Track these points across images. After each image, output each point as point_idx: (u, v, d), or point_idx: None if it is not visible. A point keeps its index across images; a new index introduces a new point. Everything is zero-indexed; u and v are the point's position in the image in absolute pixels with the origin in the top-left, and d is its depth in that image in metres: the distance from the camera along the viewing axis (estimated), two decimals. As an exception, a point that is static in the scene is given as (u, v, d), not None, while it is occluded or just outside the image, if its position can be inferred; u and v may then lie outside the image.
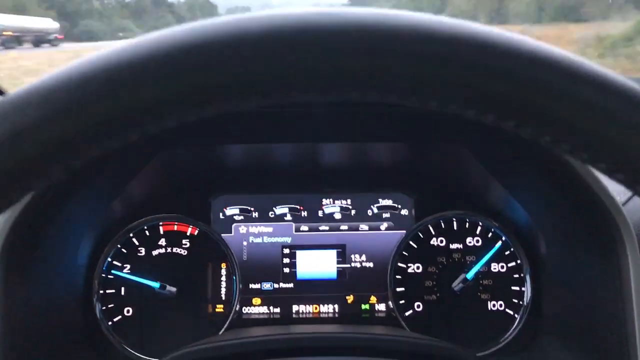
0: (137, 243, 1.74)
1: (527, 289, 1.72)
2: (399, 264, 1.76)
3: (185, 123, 0.46)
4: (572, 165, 1.26)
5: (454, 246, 1.77)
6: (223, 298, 1.74)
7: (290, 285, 1.77)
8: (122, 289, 1.71)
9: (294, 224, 1.80)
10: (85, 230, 1.56)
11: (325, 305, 1.76)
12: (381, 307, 1.77)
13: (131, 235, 1.74)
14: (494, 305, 1.74)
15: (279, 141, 1.47)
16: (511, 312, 1.73)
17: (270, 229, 1.79)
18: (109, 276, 1.71)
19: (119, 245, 1.73)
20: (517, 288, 1.74)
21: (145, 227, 1.75)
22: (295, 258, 1.78)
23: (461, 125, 1.37)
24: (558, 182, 1.35)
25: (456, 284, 1.71)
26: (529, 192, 1.50)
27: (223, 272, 1.75)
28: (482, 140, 1.40)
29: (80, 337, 1.62)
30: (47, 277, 1.42)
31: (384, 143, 1.55)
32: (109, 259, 1.72)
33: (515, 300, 1.73)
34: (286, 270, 1.77)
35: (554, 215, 1.50)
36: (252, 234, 1.79)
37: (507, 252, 1.75)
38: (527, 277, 1.72)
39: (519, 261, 1.74)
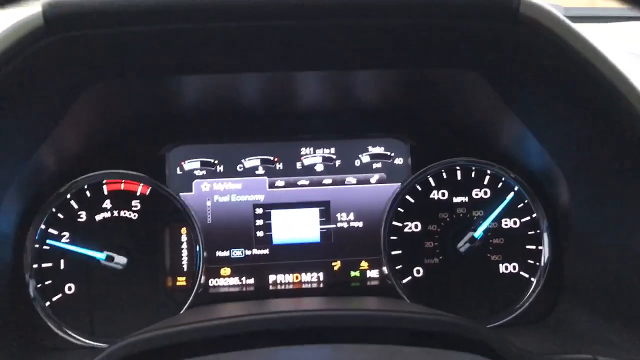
0: (76, 206, 1.45)
1: (545, 248, 1.48)
2: (394, 223, 1.51)
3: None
4: (612, 85, 0.98)
5: (457, 200, 1.51)
6: (185, 269, 1.47)
7: (265, 251, 1.51)
8: (61, 261, 1.44)
9: (267, 179, 1.52)
10: (5, 189, 1.25)
11: (308, 274, 1.50)
12: (374, 273, 1.51)
13: (68, 196, 1.45)
14: (506, 268, 1.50)
15: (246, 69, 1.16)
16: (526, 276, 1.49)
17: (239, 186, 1.52)
18: (44, 247, 1.43)
19: (53, 209, 1.44)
20: (533, 247, 1.50)
21: (86, 187, 1.46)
22: (270, 219, 1.51)
23: (472, 47, 1.08)
24: (591, 109, 1.08)
25: (462, 245, 1.47)
26: (551, 124, 1.23)
27: (183, 238, 1.48)
28: (497, 63, 1.11)
29: (9, 322, 1.33)
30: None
31: (374, 71, 1.25)
32: (43, 226, 1.43)
33: (531, 262, 1.50)
34: (259, 233, 1.51)
35: (581, 154, 1.24)
36: (217, 191, 1.51)
37: (520, 205, 1.51)
38: (545, 234, 1.49)
39: (534, 215, 1.50)
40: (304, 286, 1.50)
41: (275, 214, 1.51)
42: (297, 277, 1.50)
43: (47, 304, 1.41)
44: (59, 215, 1.44)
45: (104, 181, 1.46)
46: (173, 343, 1.00)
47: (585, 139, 1.17)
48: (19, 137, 1.18)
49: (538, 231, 1.49)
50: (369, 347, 0.93)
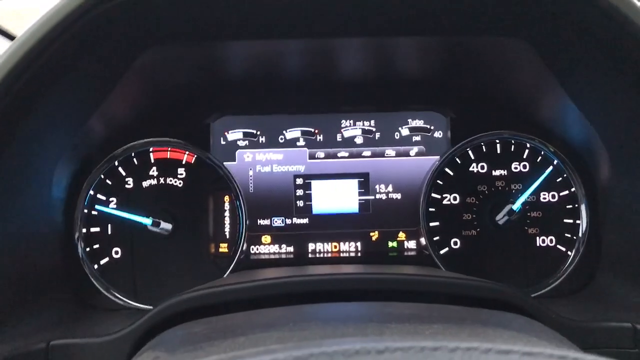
0: (123, 173, 1.49)
1: (583, 222, 1.48)
2: (433, 195, 1.52)
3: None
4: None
5: (496, 173, 1.52)
6: (227, 236, 1.50)
7: (305, 220, 1.53)
8: (109, 226, 1.47)
9: (307, 150, 1.54)
10: (59, 156, 1.29)
11: (346, 243, 1.52)
12: (411, 244, 1.52)
13: (116, 163, 1.48)
14: (543, 241, 1.50)
15: (291, 35, 1.17)
16: (563, 249, 1.49)
17: (280, 156, 1.54)
18: (93, 212, 1.47)
19: (102, 176, 1.48)
20: (571, 220, 1.50)
21: (133, 154, 1.49)
22: (310, 189, 1.53)
23: (526, 15, 1.08)
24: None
25: (500, 217, 1.47)
26: (598, 96, 1.21)
27: (226, 206, 1.50)
28: (549, 32, 1.10)
29: (60, 282, 1.37)
30: (15, 212, 1.16)
31: (417, 40, 1.25)
32: (91, 192, 1.47)
33: (569, 235, 1.50)
34: (300, 203, 1.53)
35: (625, 127, 1.22)
36: (259, 162, 1.53)
37: (559, 179, 1.51)
38: (583, 207, 1.48)
39: (573, 189, 1.50)
40: (342, 255, 1.52)
41: (315, 184, 1.53)
42: (335, 246, 1.53)
43: (95, 266, 1.45)
44: (107, 181, 1.47)
45: (151, 149, 1.49)
46: (221, 301, 1.03)
47: (631, 112, 1.17)
48: (73, 106, 1.21)
49: (576, 205, 1.49)
50: (417, 305, 0.94)
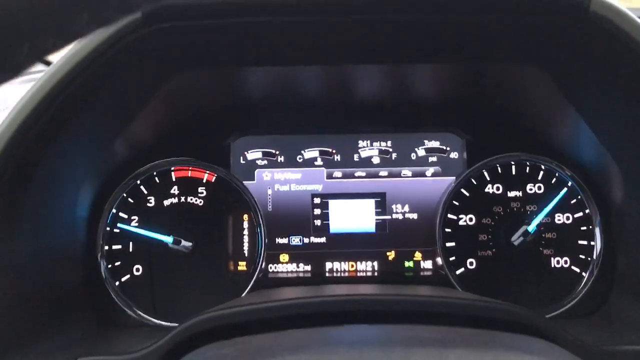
0: (145, 191, 1.51)
1: (598, 243, 1.49)
2: (449, 216, 1.53)
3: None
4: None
5: (512, 194, 1.54)
6: (246, 254, 1.52)
7: (322, 239, 1.55)
8: (130, 244, 1.50)
9: (325, 170, 1.57)
10: (84, 175, 1.33)
11: (363, 263, 1.55)
12: (427, 264, 1.54)
13: (138, 182, 1.51)
14: (557, 262, 1.52)
15: (307, 62, 1.20)
16: (578, 270, 1.51)
17: (298, 176, 1.56)
18: (115, 230, 1.50)
19: (124, 194, 1.50)
20: (585, 242, 1.51)
21: (155, 173, 1.52)
22: (327, 209, 1.56)
23: (538, 43, 1.11)
24: None
25: (515, 238, 1.49)
26: (612, 121, 1.24)
27: (245, 224, 1.53)
28: (562, 58, 1.13)
29: (83, 299, 1.40)
30: (40, 230, 1.19)
31: (434, 65, 1.28)
32: (114, 210, 1.49)
33: (583, 256, 1.51)
34: (317, 222, 1.55)
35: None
36: (277, 181, 1.56)
37: (573, 201, 1.52)
38: (597, 229, 1.50)
39: (587, 211, 1.51)
40: (358, 274, 1.54)
41: (332, 203, 1.56)
42: (352, 266, 1.55)
43: (117, 283, 1.47)
44: (129, 200, 1.50)
45: (172, 168, 1.52)
46: (241, 321, 1.05)
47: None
48: (99, 130, 1.25)
49: (590, 227, 1.50)
50: (439, 328, 0.96)
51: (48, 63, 1.55)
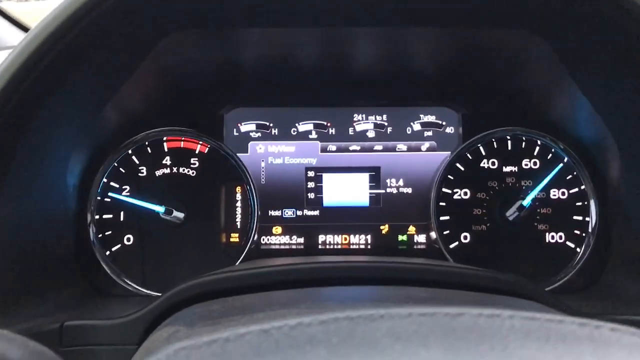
0: (137, 161, 1.50)
1: (592, 219, 1.49)
2: (444, 190, 1.52)
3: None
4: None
5: (507, 169, 1.52)
6: (238, 226, 1.51)
7: (316, 212, 1.54)
8: (121, 213, 1.48)
9: (319, 143, 1.55)
10: (74, 142, 1.30)
11: (356, 236, 1.53)
12: (421, 238, 1.53)
13: (130, 151, 1.49)
14: (552, 237, 1.51)
15: (302, 24, 1.18)
16: (572, 245, 1.50)
17: (292, 149, 1.55)
18: (106, 199, 1.48)
19: (115, 164, 1.49)
20: (580, 217, 1.50)
21: (147, 143, 1.50)
22: (321, 182, 1.54)
23: (542, 10, 1.09)
24: None
25: (510, 213, 1.48)
26: (612, 93, 1.22)
27: (238, 196, 1.51)
28: (565, 27, 1.11)
29: (72, 267, 1.38)
30: (30, 196, 1.17)
31: (430, 33, 1.25)
32: (105, 179, 1.48)
33: (578, 232, 1.50)
34: (311, 195, 1.54)
35: (638, 125, 1.23)
36: (271, 153, 1.54)
37: (569, 176, 1.51)
38: (592, 205, 1.49)
39: (583, 186, 1.50)
40: (352, 247, 1.53)
41: (326, 177, 1.54)
42: (345, 239, 1.54)
43: (107, 253, 1.46)
44: (121, 169, 1.48)
45: (165, 138, 1.50)
46: (235, 286, 1.04)
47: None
48: (89, 95, 1.22)
49: (585, 202, 1.49)
50: (433, 289, 0.95)
51: (26, 29, 1.53)
